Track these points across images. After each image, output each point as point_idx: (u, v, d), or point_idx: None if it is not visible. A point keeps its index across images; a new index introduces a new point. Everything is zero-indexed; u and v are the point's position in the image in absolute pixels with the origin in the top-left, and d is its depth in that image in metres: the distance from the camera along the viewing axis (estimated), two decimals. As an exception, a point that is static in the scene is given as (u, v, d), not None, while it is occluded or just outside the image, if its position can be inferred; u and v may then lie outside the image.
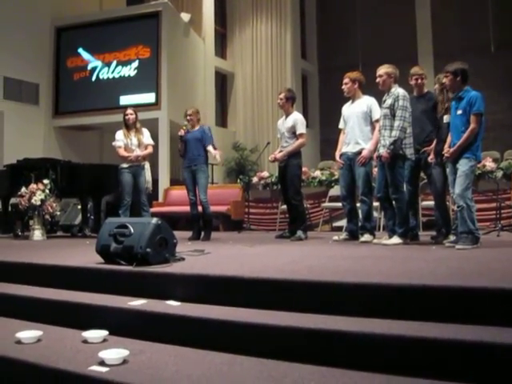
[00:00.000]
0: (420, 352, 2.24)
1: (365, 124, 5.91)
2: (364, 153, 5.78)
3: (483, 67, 12.59)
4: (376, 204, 6.33)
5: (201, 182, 6.59)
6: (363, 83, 6.01)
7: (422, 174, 6.00)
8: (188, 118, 6.75)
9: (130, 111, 6.98)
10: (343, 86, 6.01)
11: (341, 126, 6.21)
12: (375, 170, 6.32)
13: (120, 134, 6.95)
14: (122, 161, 6.90)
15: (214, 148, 6.67)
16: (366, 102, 5.93)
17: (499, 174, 7.70)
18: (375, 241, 5.57)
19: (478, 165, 5.58)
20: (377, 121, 5.71)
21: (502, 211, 7.14)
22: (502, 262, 3.77)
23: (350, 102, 6.09)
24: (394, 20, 14.90)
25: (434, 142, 5.37)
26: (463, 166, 4.64)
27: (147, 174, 7.03)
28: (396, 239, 5.21)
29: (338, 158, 6.15)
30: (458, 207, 4.64)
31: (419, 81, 5.66)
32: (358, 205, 6.06)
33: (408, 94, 5.34)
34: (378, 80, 5.38)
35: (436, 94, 5.47)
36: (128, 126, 6.94)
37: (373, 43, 14.97)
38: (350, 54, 15.23)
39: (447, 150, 4.81)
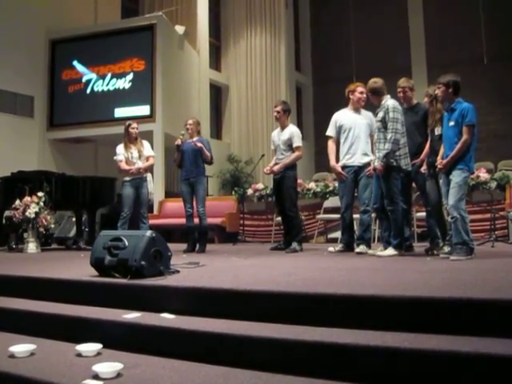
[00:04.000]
0: (415, 364, 2.23)
1: (369, 136, 5.94)
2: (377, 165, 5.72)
3: (476, 79, 12.72)
4: (372, 215, 6.33)
5: (200, 194, 6.60)
6: None
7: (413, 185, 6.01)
8: (187, 126, 6.76)
9: (135, 125, 6.95)
10: (361, 96, 5.95)
11: (331, 133, 6.12)
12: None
13: (120, 148, 6.90)
14: (124, 174, 6.87)
15: (209, 155, 6.65)
16: (369, 116, 5.97)
17: (493, 184, 7.73)
18: (370, 252, 5.57)
19: (471, 176, 5.60)
20: None
21: (496, 222, 7.16)
22: (496, 272, 3.77)
23: (352, 111, 6.03)
24: (388, 32, 15.05)
25: (424, 154, 5.39)
26: (456, 177, 4.67)
27: (149, 185, 7.01)
28: (391, 251, 5.21)
29: (339, 169, 6.01)
30: (451, 218, 4.65)
31: (401, 94, 5.66)
32: (355, 216, 6.05)
33: (400, 106, 5.36)
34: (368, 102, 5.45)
35: (427, 107, 5.48)
36: (130, 140, 6.92)
37: (366, 55, 15.11)
38: (344, 66, 15.34)
39: (440, 162, 4.83)
